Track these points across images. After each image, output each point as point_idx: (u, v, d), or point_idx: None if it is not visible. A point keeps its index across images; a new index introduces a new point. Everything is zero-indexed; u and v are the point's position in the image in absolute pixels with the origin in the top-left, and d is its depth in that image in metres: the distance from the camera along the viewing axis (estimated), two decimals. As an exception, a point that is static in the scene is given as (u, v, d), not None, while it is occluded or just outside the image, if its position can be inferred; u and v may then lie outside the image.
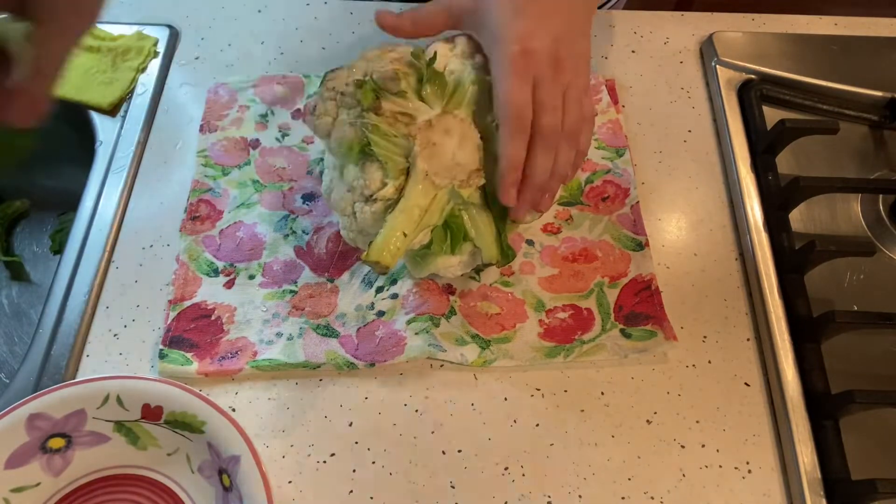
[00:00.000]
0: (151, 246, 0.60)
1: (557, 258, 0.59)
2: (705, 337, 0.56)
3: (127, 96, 0.68)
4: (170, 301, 0.56)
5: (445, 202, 0.49)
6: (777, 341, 0.54)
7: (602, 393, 0.53)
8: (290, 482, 0.50)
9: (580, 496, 0.49)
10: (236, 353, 0.54)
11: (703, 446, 0.51)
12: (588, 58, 0.52)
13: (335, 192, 0.51)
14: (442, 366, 0.54)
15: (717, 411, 0.53)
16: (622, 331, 0.55)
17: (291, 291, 0.57)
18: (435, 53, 0.51)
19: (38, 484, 0.45)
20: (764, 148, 0.63)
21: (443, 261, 0.52)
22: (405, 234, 0.48)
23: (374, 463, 0.50)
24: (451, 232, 0.50)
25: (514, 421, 0.52)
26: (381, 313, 0.55)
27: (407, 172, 0.49)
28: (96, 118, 0.67)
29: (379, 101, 0.48)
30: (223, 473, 0.44)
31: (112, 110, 0.67)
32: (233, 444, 0.43)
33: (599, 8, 0.77)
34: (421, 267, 0.52)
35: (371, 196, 0.49)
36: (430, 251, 0.51)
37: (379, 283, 0.57)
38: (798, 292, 0.56)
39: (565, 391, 0.53)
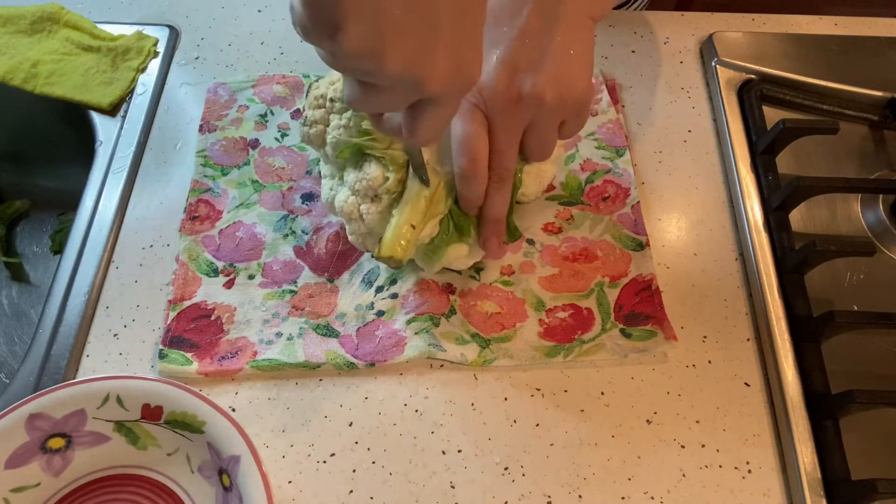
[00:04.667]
0: (151, 246, 0.60)
1: (558, 258, 0.59)
2: (705, 337, 0.56)
3: (127, 96, 0.68)
4: (169, 301, 0.56)
5: (449, 190, 0.49)
6: (777, 341, 0.54)
7: (602, 393, 0.53)
8: (290, 482, 0.50)
9: (580, 496, 0.49)
10: (236, 353, 0.54)
11: (703, 446, 0.51)
12: (570, 83, 0.46)
13: (338, 198, 0.51)
14: (442, 366, 0.54)
15: (717, 411, 0.53)
16: (622, 330, 0.55)
17: (291, 291, 0.57)
18: None
19: (38, 484, 0.45)
20: (764, 148, 0.63)
21: (454, 251, 0.52)
22: (413, 226, 0.48)
23: (374, 463, 0.50)
24: (455, 219, 0.50)
25: (514, 421, 0.52)
26: (380, 313, 0.55)
27: (407, 165, 0.49)
28: (96, 118, 0.67)
29: None
30: (223, 473, 0.44)
31: (112, 110, 0.67)
32: (233, 444, 0.43)
33: (618, 7, 0.77)
34: (433, 261, 0.52)
35: (376, 194, 0.49)
36: (438, 243, 0.51)
37: (379, 282, 0.57)
38: (798, 292, 0.56)
39: (565, 391, 0.53)
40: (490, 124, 0.46)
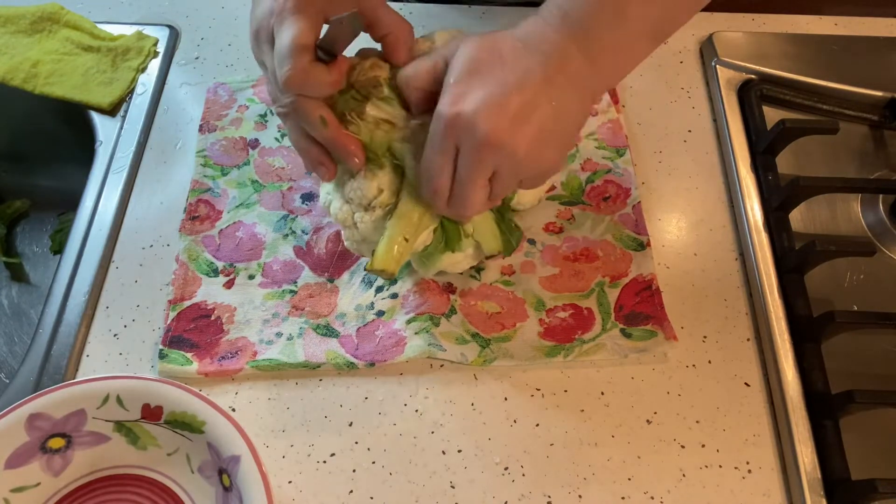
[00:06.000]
0: (151, 246, 0.60)
1: (559, 258, 0.59)
2: (705, 337, 0.56)
3: (127, 96, 0.68)
4: (169, 301, 0.56)
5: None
6: (777, 341, 0.54)
7: (602, 393, 0.53)
8: (290, 482, 0.50)
9: (580, 496, 0.49)
10: (236, 353, 0.54)
11: (703, 446, 0.51)
12: (543, 153, 0.44)
13: (333, 205, 0.51)
14: (442, 366, 0.54)
15: (717, 411, 0.53)
16: (622, 330, 0.55)
17: (291, 291, 0.57)
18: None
19: (38, 484, 0.45)
20: (764, 148, 0.63)
21: (448, 258, 0.52)
22: (406, 240, 0.48)
23: (374, 463, 0.50)
24: (447, 230, 0.50)
25: (514, 421, 0.52)
26: (380, 313, 0.55)
27: (402, 178, 0.49)
28: (96, 118, 0.67)
29: (363, 107, 0.47)
30: (223, 473, 0.44)
31: (112, 110, 0.67)
32: (233, 444, 0.43)
33: None
34: (428, 266, 0.52)
35: (369, 204, 0.49)
36: (432, 251, 0.51)
37: (379, 282, 0.57)
38: (798, 292, 0.56)
39: (565, 391, 0.53)
40: (458, 155, 0.44)
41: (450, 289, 0.57)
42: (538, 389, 0.53)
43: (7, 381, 0.63)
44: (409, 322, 0.54)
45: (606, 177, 0.63)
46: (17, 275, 0.75)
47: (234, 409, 0.52)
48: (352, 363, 0.53)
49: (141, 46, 0.70)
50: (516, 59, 0.43)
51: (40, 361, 0.54)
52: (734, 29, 0.72)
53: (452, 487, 0.50)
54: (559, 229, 0.60)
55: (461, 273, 0.57)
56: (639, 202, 0.61)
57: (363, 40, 0.48)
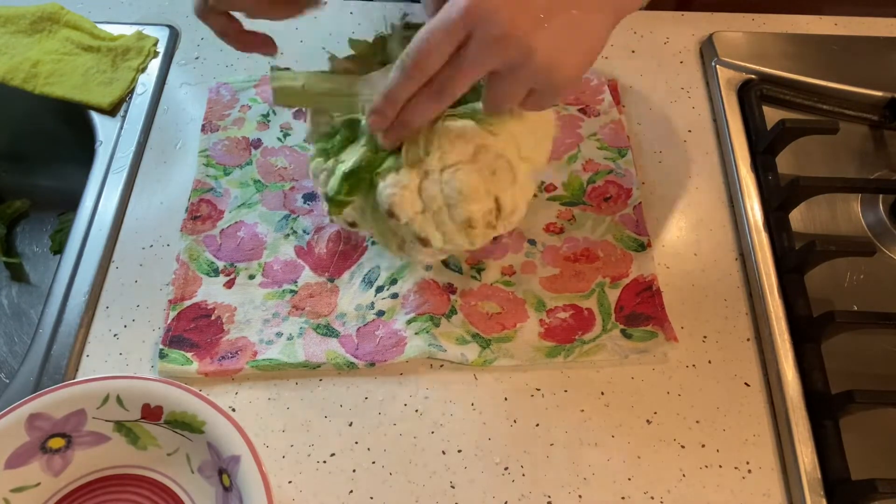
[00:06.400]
0: (151, 246, 0.60)
1: (559, 258, 0.59)
2: (705, 337, 0.56)
3: (127, 96, 0.68)
4: (170, 301, 0.56)
5: (355, 107, 0.48)
6: (777, 341, 0.54)
7: (602, 393, 0.53)
8: (290, 482, 0.50)
9: (580, 496, 0.49)
10: (236, 352, 0.54)
11: (703, 446, 0.51)
12: (563, 58, 0.41)
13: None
14: (442, 366, 0.54)
15: (717, 411, 0.53)
16: (623, 331, 0.55)
17: (291, 291, 0.57)
18: None
19: (38, 484, 0.45)
20: (764, 148, 0.63)
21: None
22: (304, 87, 0.49)
23: (374, 463, 0.50)
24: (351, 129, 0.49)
25: (514, 421, 0.52)
26: (381, 313, 0.55)
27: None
28: (96, 118, 0.67)
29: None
30: (223, 473, 0.44)
31: (112, 110, 0.67)
32: (233, 444, 0.43)
33: None
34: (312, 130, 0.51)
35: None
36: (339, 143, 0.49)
37: (379, 282, 0.57)
38: (798, 292, 0.56)
39: (565, 391, 0.53)
40: (464, 43, 0.40)
41: (450, 289, 0.57)
42: (538, 389, 0.53)
43: (7, 381, 0.63)
44: (409, 322, 0.54)
45: (608, 177, 0.63)
46: (17, 275, 0.75)
47: (234, 409, 0.52)
48: (352, 363, 0.53)
49: (141, 46, 0.70)
50: None
51: (40, 361, 0.54)
52: (734, 29, 0.72)
53: (452, 487, 0.50)
54: (560, 230, 0.60)
55: (462, 273, 0.57)
56: (640, 203, 0.61)
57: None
